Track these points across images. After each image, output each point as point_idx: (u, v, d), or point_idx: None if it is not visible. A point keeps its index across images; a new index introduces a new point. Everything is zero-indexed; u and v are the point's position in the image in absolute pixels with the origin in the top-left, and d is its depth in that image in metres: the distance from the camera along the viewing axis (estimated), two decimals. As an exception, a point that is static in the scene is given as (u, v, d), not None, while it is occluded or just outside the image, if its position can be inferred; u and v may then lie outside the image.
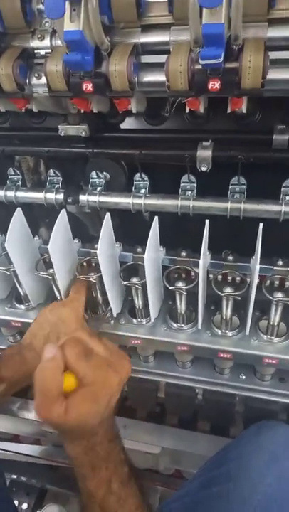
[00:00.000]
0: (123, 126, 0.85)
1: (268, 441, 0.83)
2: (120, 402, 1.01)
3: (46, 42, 0.64)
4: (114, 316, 0.84)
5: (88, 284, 0.81)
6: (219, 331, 0.80)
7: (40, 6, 0.63)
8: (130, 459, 0.67)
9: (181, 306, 0.79)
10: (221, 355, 0.78)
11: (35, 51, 0.65)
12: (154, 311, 0.82)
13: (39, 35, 0.64)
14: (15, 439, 1.36)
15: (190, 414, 1.02)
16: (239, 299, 0.72)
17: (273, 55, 0.55)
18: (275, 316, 0.74)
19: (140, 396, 1.00)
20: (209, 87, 0.55)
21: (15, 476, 1.35)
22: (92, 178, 0.83)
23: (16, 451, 1.32)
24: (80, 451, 0.60)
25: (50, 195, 0.82)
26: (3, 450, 1.30)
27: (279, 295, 0.69)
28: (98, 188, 0.82)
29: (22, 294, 0.88)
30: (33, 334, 0.80)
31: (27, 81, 0.64)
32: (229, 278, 0.76)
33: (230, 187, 0.75)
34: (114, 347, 0.65)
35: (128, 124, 0.85)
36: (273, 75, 0.55)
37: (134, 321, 0.84)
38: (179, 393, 0.93)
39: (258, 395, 0.87)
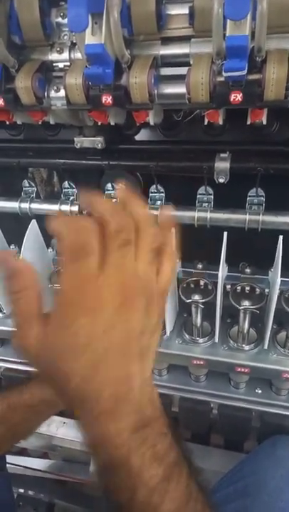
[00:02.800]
0: (138, 137, 0.85)
1: (285, 456, 0.81)
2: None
3: (65, 55, 0.64)
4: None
5: None
6: (236, 345, 0.78)
7: (60, 20, 0.63)
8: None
9: (197, 320, 0.78)
10: (239, 369, 0.77)
11: (54, 64, 0.65)
12: (169, 324, 0.81)
13: (58, 49, 0.64)
14: (23, 452, 1.34)
15: (204, 429, 1.00)
16: (258, 312, 0.71)
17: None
18: (294, 330, 0.73)
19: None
20: (231, 100, 0.54)
21: (22, 491, 1.32)
22: (107, 190, 0.82)
23: (24, 465, 1.30)
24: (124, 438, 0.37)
25: (66, 207, 0.82)
26: (11, 464, 1.28)
27: (299, 309, 0.68)
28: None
29: (35, 306, 0.87)
30: None
31: (45, 94, 0.64)
32: (246, 290, 0.75)
33: (248, 199, 0.74)
34: None
35: (143, 135, 0.84)
36: (296, 86, 0.55)
37: (149, 334, 0.83)
38: (193, 407, 0.91)
39: (274, 410, 0.85)
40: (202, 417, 0.93)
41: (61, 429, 1.10)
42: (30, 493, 1.32)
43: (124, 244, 0.38)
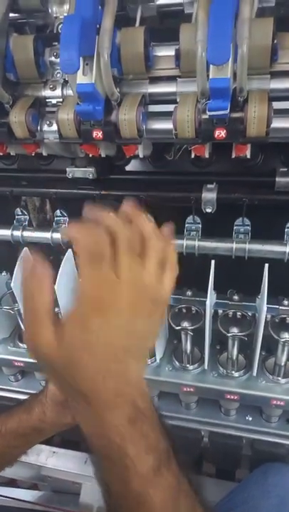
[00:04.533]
0: (128, 168, 0.87)
1: (276, 484, 0.81)
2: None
3: (58, 92, 0.66)
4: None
5: None
6: (225, 372, 0.79)
7: (53, 59, 0.66)
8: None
9: (187, 346, 0.79)
10: (228, 396, 0.77)
11: (47, 100, 0.68)
12: (159, 351, 0.81)
13: (51, 86, 0.67)
14: (11, 483, 1.31)
15: (195, 457, 0.99)
16: (246, 339, 0.72)
17: (276, 105, 0.58)
18: (282, 357, 0.73)
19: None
20: (215, 136, 0.57)
21: (10, 524, 1.29)
22: (98, 219, 0.84)
23: (13, 496, 1.27)
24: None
25: (57, 235, 0.83)
26: (-1, 495, 1.25)
27: (286, 335, 0.69)
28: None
29: (25, 333, 0.88)
30: None
31: (38, 128, 0.67)
32: (235, 317, 0.77)
33: (234, 228, 0.76)
34: None
35: (133, 166, 0.87)
36: (277, 123, 0.57)
37: (139, 360, 0.83)
38: (184, 436, 0.91)
39: (265, 437, 0.85)
40: (193, 445, 0.92)
41: (51, 459, 1.08)
42: (18, 526, 1.28)
43: (132, 254, 0.41)
